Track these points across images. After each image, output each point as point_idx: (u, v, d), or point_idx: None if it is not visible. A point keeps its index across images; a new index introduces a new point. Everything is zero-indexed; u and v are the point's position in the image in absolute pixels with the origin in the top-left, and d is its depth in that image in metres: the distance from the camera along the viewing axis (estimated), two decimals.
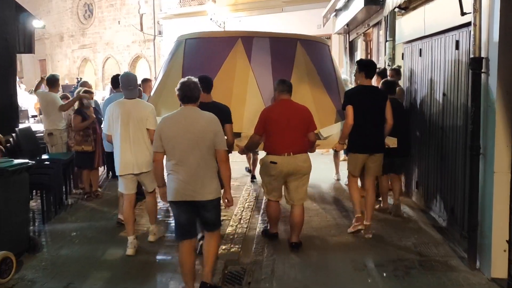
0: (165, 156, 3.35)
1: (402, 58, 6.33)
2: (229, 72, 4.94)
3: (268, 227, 4.66)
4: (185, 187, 3.21)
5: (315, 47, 5.49)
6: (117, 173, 4.40)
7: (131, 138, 4.24)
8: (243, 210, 5.70)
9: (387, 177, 5.31)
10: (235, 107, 4.42)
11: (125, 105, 4.30)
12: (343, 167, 5.83)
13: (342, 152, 6.43)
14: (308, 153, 4.31)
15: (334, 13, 9.97)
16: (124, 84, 4.36)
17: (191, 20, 19.66)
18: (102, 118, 5.34)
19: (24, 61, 35.93)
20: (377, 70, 6.08)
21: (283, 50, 5.17)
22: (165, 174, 3.44)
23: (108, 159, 5.82)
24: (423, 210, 5.55)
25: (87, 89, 6.33)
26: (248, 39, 5.10)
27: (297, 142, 4.16)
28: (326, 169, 7.52)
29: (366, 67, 4.61)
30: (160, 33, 22.72)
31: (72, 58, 31.05)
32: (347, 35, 11.33)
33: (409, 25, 5.94)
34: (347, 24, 9.49)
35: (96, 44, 28.86)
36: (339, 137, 4.65)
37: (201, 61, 5.09)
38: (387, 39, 6.66)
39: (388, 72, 6.09)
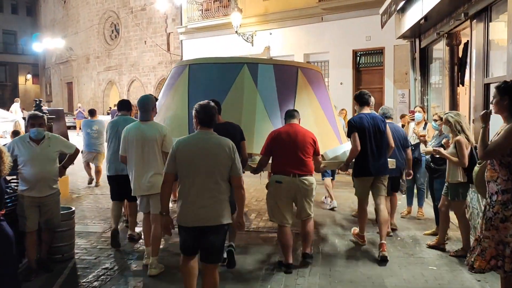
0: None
1: None
2: (237, 96, 5.11)
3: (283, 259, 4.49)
4: (197, 212, 3.17)
5: (313, 75, 5.74)
6: (133, 194, 4.45)
7: (145, 160, 4.29)
8: None
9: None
10: (245, 129, 4.51)
11: (140, 127, 4.36)
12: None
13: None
14: (314, 176, 4.53)
15: (402, 2, 6.58)
16: (139, 106, 4.44)
17: (214, 34, 16.89)
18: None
19: (53, 84, 34.87)
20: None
21: (286, 76, 5.39)
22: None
23: (118, 183, 5.08)
24: None
25: None
26: (253, 66, 5.32)
27: (302, 164, 4.34)
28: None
29: (357, 97, 5.01)
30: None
31: (98, 81, 29.65)
32: (417, 40, 7.87)
33: None
34: (425, 18, 6.07)
35: (122, 66, 27.47)
36: (343, 158, 4.96)
37: (208, 86, 5.23)
38: None
39: None
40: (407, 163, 5.64)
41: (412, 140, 6.27)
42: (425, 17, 6.01)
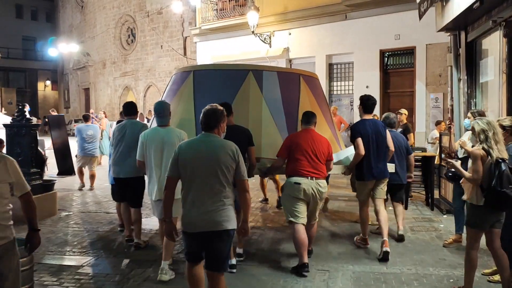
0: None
1: None
2: (243, 101, 5.25)
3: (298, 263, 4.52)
4: (202, 218, 3.12)
5: (312, 82, 5.94)
6: (152, 198, 4.52)
7: (165, 164, 4.30)
8: None
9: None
10: (252, 134, 4.66)
11: (159, 133, 4.48)
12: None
13: None
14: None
15: None
16: (155, 112, 4.63)
17: (230, 35, 15.95)
18: None
19: (71, 90, 34.62)
20: None
21: (289, 83, 5.59)
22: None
23: (122, 186, 5.21)
24: None
25: None
26: (258, 72, 5.48)
27: (318, 168, 4.54)
28: None
29: (364, 101, 5.19)
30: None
31: (114, 87, 29.14)
32: (462, 33, 6.65)
33: None
34: (481, 1, 4.88)
35: (138, 71, 26.87)
36: (345, 163, 5.31)
37: (214, 92, 5.29)
38: None
39: None
40: (408, 168, 5.81)
41: (460, 153, 5.11)
42: (481, 0, 4.83)
